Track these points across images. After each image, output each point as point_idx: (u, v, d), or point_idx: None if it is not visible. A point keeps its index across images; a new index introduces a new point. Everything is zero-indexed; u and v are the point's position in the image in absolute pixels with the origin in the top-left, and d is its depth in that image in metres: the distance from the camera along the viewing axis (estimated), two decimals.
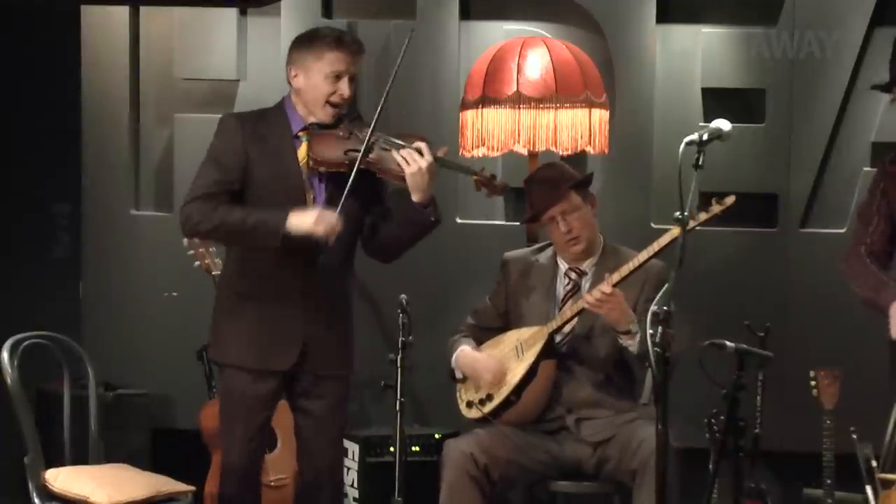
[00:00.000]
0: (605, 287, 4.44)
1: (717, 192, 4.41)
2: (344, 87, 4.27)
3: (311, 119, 4.31)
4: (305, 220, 4.17)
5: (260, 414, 4.36)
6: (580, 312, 4.58)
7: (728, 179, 5.41)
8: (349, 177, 4.18)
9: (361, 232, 4.41)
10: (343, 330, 4.42)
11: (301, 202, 4.27)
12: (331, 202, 4.24)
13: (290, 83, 4.35)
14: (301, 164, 4.30)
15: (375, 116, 4.23)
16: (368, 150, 4.21)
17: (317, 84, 4.28)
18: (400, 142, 4.27)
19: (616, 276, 4.48)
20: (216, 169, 4.27)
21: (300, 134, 4.32)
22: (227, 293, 4.38)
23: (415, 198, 4.24)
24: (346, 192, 4.17)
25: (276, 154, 4.29)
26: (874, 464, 3.96)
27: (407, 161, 4.21)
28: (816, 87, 5.66)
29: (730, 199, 4.33)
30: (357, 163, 4.19)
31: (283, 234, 4.16)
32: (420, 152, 4.22)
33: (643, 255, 4.48)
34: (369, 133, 4.21)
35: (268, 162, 4.28)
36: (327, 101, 4.28)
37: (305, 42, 4.32)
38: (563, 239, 4.69)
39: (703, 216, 4.34)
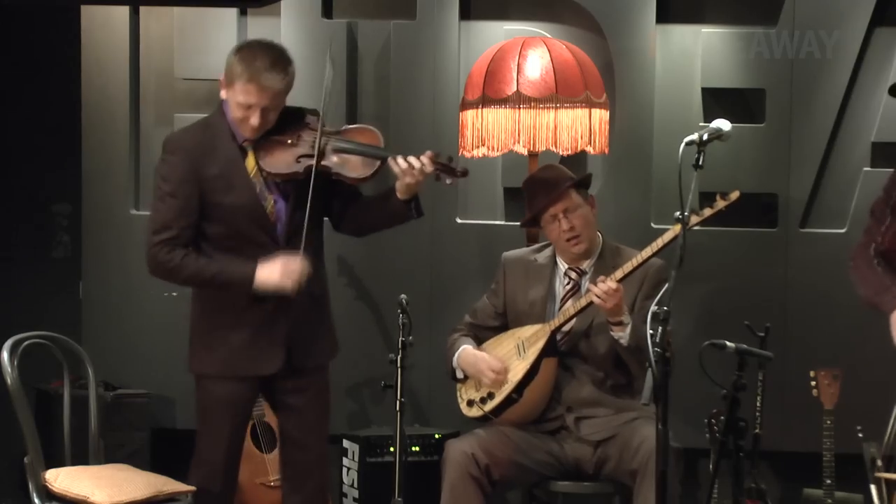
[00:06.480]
0: (611, 283, 4.46)
1: (717, 192, 4.42)
2: (254, 119, 4.18)
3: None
4: (272, 278, 4.14)
5: (244, 416, 4.40)
6: (585, 308, 4.58)
7: (728, 179, 5.39)
8: (305, 182, 4.15)
9: (329, 215, 4.39)
10: (322, 316, 4.41)
11: (261, 214, 4.23)
12: (295, 210, 4.21)
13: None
14: (251, 174, 4.24)
15: (320, 126, 4.19)
16: (321, 155, 4.17)
17: (233, 106, 4.21)
18: (354, 142, 4.23)
19: (620, 273, 4.50)
20: (171, 203, 4.20)
21: (244, 143, 4.25)
22: (203, 304, 4.35)
23: (403, 197, 4.25)
24: (307, 211, 4.14)
25: (225, 169, 4.22)
26: (879, 463, 3.95)
27: (405, 173, 4.19)
28: (816, 87, 5.65)
29: (734, 195, 4.33)
30: (313, 172, 4.14)
31: (253, 288, 4.16)
32: (416, 160, 4.19)
33: (646, 252, 4.49)
34: (318, 138, 4.16)
35: (219, 178, 4.21)
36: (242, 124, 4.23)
37: (233, 56, 4.21)
38: (563, 237, 4.69)
39: (707, 211, 4.35)
